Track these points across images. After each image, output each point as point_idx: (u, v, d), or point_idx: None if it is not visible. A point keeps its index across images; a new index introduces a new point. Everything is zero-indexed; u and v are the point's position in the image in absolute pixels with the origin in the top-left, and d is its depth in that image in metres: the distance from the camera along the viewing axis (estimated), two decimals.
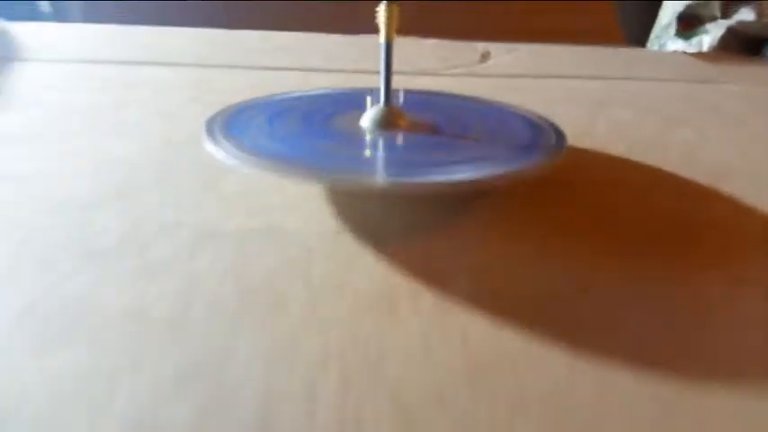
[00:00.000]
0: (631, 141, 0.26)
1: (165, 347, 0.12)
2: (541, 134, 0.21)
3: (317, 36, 0.44)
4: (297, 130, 0.21)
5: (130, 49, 0.38)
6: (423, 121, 0.22)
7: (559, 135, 0.21)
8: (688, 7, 0.68)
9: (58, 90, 0.29)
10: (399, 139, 0.21)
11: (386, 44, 0.20)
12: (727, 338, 0.14)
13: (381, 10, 0.20)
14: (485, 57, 0.42)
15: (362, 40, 0.43)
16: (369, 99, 0.21)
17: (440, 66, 0.39)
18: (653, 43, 0.72)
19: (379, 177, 0.17)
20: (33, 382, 0.11)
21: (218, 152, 0.18)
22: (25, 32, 0.40)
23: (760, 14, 0.63)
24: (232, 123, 0.21)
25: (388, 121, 0.21)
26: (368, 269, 0.15)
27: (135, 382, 0.11)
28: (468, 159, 0.19)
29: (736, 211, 0.20)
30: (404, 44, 0.44)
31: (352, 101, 0.24)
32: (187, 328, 0.13)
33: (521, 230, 0.18)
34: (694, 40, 0.67)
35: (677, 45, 0.68)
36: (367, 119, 0.21)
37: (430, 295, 0.14)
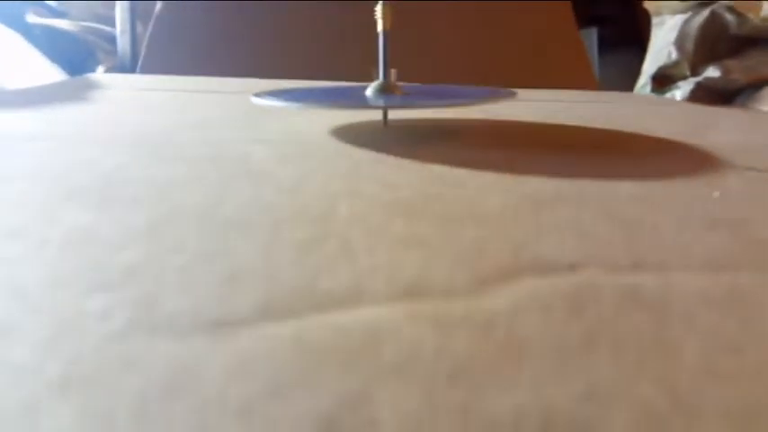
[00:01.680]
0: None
1: None
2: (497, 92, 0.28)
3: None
4: (320, 94, 0.28)
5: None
6: (413, 90, 0.29)
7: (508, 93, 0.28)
8: (660, 68, 0.76)
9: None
10: (394, 96, 0.28)
11: (383, 33, 0.28)
12: None
13: (379, 8, 0.27)
14: None
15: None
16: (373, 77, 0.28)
17: None
18: None
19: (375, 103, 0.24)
20: None
21: (259, 100, 0.25)
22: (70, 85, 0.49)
23: (725, 72, 0.71)
24: (274, 94, 0.28)
25: (386, 88, 0.28)
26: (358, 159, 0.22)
27: None
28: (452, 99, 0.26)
29: None
30: None
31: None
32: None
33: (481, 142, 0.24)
34: (668, 95, 0.75)
35: None
36: (369, 88, 0.28)
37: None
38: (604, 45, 1.04)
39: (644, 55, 0.97)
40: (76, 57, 0.90)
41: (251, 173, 0.20)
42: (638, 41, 1.03)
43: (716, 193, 0.19)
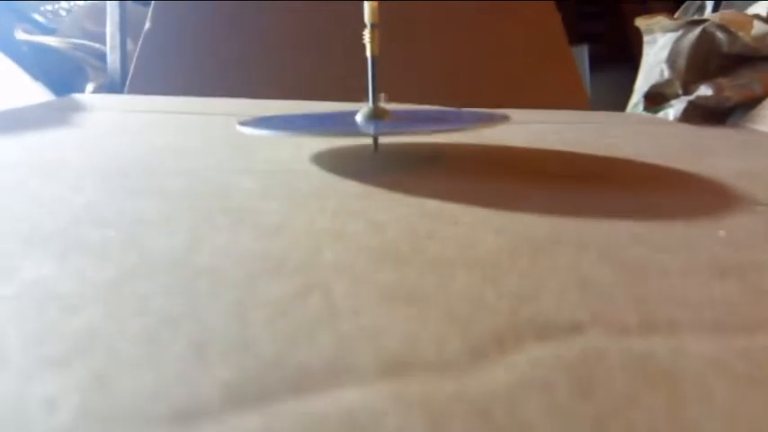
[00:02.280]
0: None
1: None
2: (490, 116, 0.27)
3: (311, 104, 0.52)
4: (308, 121, 0.27)
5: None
6: (405, 115, 0.28)
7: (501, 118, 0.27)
8: (652, 87, 0.76)
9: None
10: (385, 123, 0.27)
11: (371, 59, 0.27)
12: None
13: (367, 32, 0.26)
14: None
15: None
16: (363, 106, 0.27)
17: None
18: None
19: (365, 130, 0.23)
20: None
21: (246, 130, 0.24)
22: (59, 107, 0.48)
23: (717, 91, 0.71)
24: (261, 122, 0.27)
25: (376, 114, 0.27)
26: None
27: None
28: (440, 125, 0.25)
29: None
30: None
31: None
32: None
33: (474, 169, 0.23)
34: (661, 113, 0.75)
35: None
36: (359, 114, 0.27)
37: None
38: (595, 63, 1.04)
39: (635, 72, 0.97)
40: (66, 74, 0.89)
41: (230, 211, 0.18)
42: (629, 59, 1.03)
43: (721, 232, 0.18)
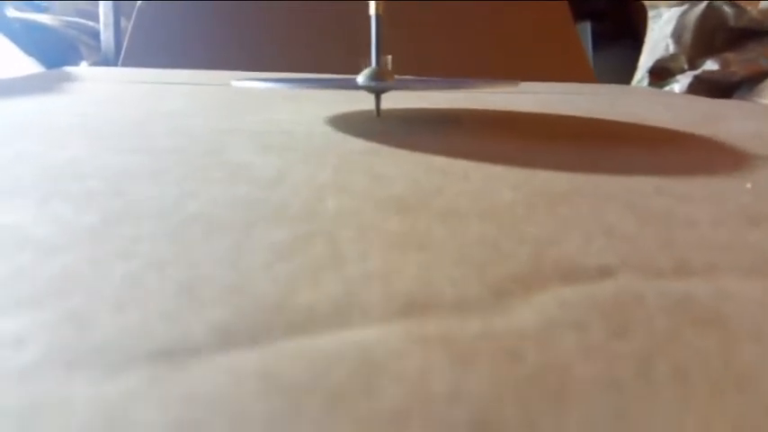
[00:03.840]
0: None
1: None
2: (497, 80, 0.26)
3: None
4: (307, 83, 0.26)
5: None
6: (409, 79, 0.27)
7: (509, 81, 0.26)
8: (658, 61, 0.75)
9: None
10: (387, 83, 0.25)
11: (376, 16, 0.25)
12: None
13: None
14: None
15: None
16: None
17: None
18: None
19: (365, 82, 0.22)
20: None
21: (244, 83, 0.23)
22: (56, 78, 0.47)
23: (724, 65, 0.70)
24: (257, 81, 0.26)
25: (379, 75, 0.25)
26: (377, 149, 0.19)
27: None
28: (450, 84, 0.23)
29: None
30: None
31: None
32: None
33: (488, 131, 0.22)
34: (666, 88, 0.74)
35: None
36: (361, 75, 0.26)
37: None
38: (598, 40, 1.02)
39: (638, 51, 0.95)
40: (59, 52, 0.87)
41: (224, 165, 0.17)
42: (633, 37, 1.01)
43: (748, 185, 0.17)
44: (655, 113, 0.34)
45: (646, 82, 0.75)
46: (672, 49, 0.74)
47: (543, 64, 0.64)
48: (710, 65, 0.73)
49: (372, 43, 0.25)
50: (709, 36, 0.74)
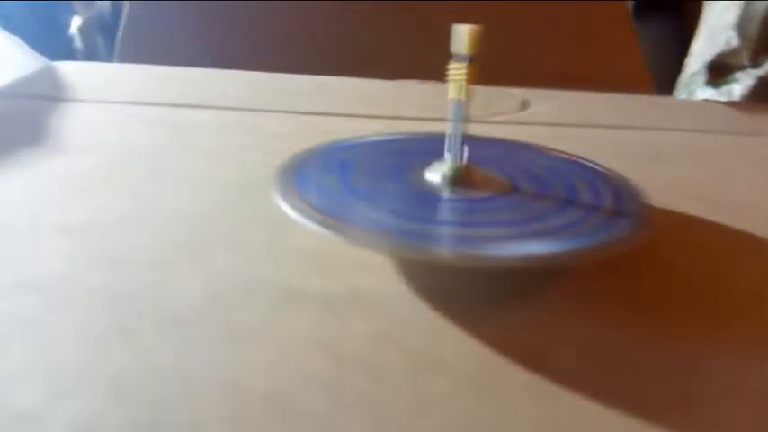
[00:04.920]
0: (699, 198, 0.26)
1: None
2: (621, 194, 0.20)
3: (349, 80, 0.44)
4: (368, 185, 0.20)
5: (175, 92, 0.39)
6: (497, 177, 0.21)
7: (640, 197, 0.20)
8: (717, 56, 0.68)
9: (111, 133, 0.29)
10: (474, 200, 0.20)
11: (457, 103, 0.20)
12: None
13: (457, 67, 0.20)
14: (524, 104, 0.42)
15: (399, 86, 0.44)
16: (447, 155, 0.21)
17: (481, 113, 0.39)
18: (681, 91, 0.72)
19: (451, 250, 0.17)
20: None
21: (288, 208, 0.18)
22: (69, 72, 0.41)
23: None
24: (301, 175, 0.20)
25: (460, 179, 0.20)
26: (460, 342, 0.15)
27: None
28: (550, 229, 0.18)
29: None
30: (439, 90, 0.44)
31: (423, 148, 0.24)
32: (287, 405, 0.12)
33: (611, 302, 0.17)
34: (724, 89, 0.67)
35: (706, 93, 0.68)
36: (439, 173, 0.21)
37: (529, 373, 0.14)
38: (639, 13, 0.94)
39: (682, 24, 0.88)
40: (50, 7, 0.79)
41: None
42: (677, 9, 0.93)
43: None
44: None
45: (702, 78, 0.69)
46: (735, 42, 0.67)
47: (597, 66, 0.58)
48: None
49: (451, 138, 0.20)
50: None
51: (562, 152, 0.25)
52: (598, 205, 0.20)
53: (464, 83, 0.19)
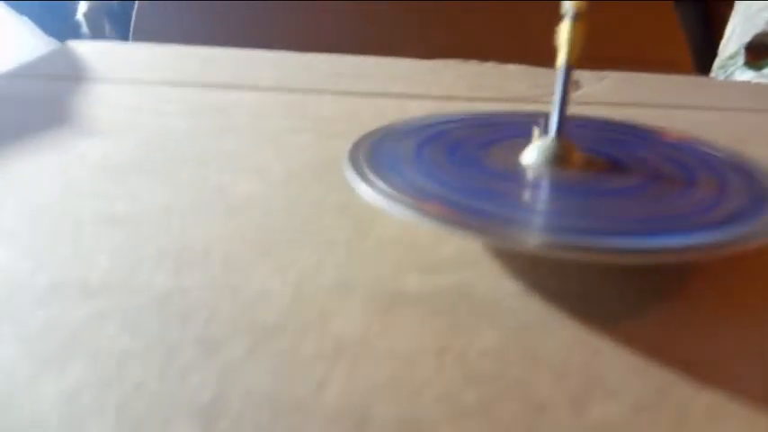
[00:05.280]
0: None
1: None
2: (750, 177, 0.18)
3: (395, 61, 0.41)
4: (452, 166, 0.18)
5: (205, 72, 0.36)
6: (598, 156, 0.18)
7: None
8: (756, 37, 0.65)
9: (146, 114, 0.26)
10: (578, 181, 0.17)
11: (566, 67, 0.17)
12: None
13: (564, 28, 0.17)
14: (576, 85, 0.39)
15: (443, 65, 0.41)
16: (536, 129, 0.18)
17: (530, 93, 0.36)
18: (717, 74, 0.69)
19: (559, 241, 0.14)
20: None
21: (372, 194, 0.15)
22: (86, 52, 0.38)
23: None
24: (377, 156, 0.17)
25: (559, 157, 0.18)
26: (598, 349, 0.12)
27: None
28: (675, 215, 0.15)
29: None
30: (483, 69, 0.41)
31: (503, 128, 0.21)
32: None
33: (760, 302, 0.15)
34: (766, 71, 0.64)
35: (746, 75, 0.65)
36: (533, 153, 0.18)
37: (690, 393, 0.11)
38: None
39: (704, 3, 0.84)
40: None
41: None
42: None
43: None
44: None
45: (741, 59, 0.66)
46: None
47: (637, 43, 0.55)
48: None
49: (555, 102, 0.17)
50: None
51: (661, 129, 0.22)
52: (726, 187, 0.17)
53: (574, 44, 0.17)
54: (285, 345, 0.11)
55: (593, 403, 0.10)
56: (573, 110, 0.34)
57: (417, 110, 0.30)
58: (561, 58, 0.17)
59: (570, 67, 0.17)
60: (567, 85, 0.17)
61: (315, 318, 0.12)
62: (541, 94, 0.36)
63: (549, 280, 0.14)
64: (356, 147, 0.18)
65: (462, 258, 0.15)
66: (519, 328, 0.12)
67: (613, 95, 0.37)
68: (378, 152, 0.18)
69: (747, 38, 0.66)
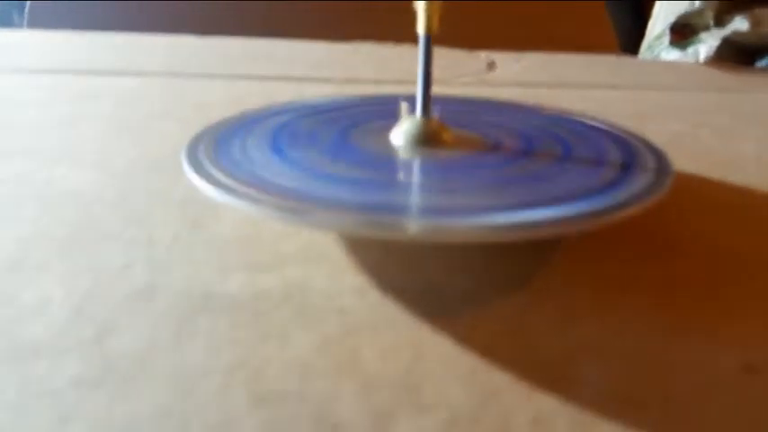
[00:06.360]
0: (705, 156, 0.22)
1: None
2: (629, 148, 0.16)
3: (300, 43, 0.39)
4: (307, 152, 0.16)
5: (90, 57, 0.33)
6: (470, 135, 0.17)
7: (656, 152, 0.16)
8: (681, 17, 0.65)
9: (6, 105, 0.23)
10: (447, 161, 0.16)
11: (426, 38, 0.16)
12: None
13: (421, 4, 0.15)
14: (491, 66, 0.38)
15: (355, 49, 0.39)
16: (403, 106, 0.16)
17: (446, 75, 0.35)
18: (644, 54, 0.69)
19: (423, 224, 0.12)
20: None
21: (205, 185, 0.13)
22: None
23: (754, 24, 0.61)
24: (222, 145, 0.16)
25: (428, 137, 0.16)
26: (421, 354, 0.11)
27: None
28: (550, 190, 0.14)
29: None
30: (401, 52, 0.39)
31: (372, 111, 0.19)
32: None
33: (631, 282, 0.13)
34: (690, 50, 0.65)
35: (672, 55, 0.65)
36: (400, 133, 0.16)
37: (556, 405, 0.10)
38: None
39: None
40: None
41: None
42: None
43: None
44: None
45: (666, 40, 0.66)
46: (698, 2, 0.64)
47: (563, 29, 0.54)
48: (739, 22, 0.64)
49: (419, 78, 0.16)
50: None
51: (543, 107, 0.21)
52: (604, 161, 0.16)
53: (432, 15, 0.15)
54: (39, 371, 0.09)
55: (399, 420, 0.09)
56: (485, 91, 0.33)
57: (313, 94, 0.28)
58: (420, 29, 0.15)
59: (430, 37, 0.16)
60: (430, 58, 0.16)
61: (91, 334, 0.10)
62: (456, 76, 0.35)
63: (394, 274, 0.13)
64: (201, 135, 0.16)
65: (306, 254, 0.13)
66: (339, 333, 0.11)
67: (528, 76, 0.36)
68: (224, 141, 0.16)
69: (672, 18, 0.67)
